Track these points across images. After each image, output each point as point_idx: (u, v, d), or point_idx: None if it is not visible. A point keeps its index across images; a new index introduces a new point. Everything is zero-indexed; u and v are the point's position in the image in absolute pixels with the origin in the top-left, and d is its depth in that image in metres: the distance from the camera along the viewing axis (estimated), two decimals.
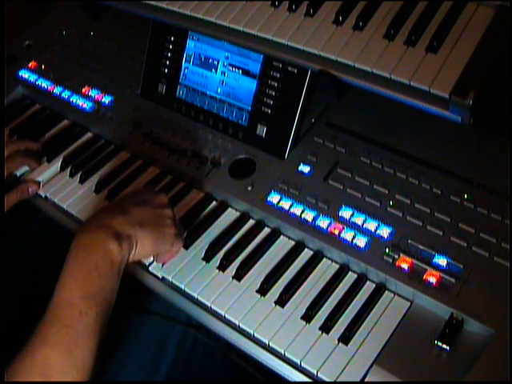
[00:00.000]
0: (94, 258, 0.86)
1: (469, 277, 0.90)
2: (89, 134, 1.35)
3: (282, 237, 1.07)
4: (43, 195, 1.23)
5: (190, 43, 1.26)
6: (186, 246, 1.06)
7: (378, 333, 0.90)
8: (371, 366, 0.87)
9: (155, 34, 1.32)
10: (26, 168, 1.29)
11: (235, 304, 0.98)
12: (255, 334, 0.94)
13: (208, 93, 1.24)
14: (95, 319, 0.84)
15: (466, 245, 0.94)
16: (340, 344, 0.90)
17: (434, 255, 0.94)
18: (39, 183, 1.25)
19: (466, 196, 0.99)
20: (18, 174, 1.28)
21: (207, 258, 1.05)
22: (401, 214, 1.00)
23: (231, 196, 1.12)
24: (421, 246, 0.95)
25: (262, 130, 1.17)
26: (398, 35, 0.99)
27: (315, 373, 0.88)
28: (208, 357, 1.15)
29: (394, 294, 0.95)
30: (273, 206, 1.07)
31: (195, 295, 1.00)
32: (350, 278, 0.99)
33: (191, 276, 1.02)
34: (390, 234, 0.98)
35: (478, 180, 1.01)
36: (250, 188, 1.11)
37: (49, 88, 1.45)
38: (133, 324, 1.16)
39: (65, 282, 0.85)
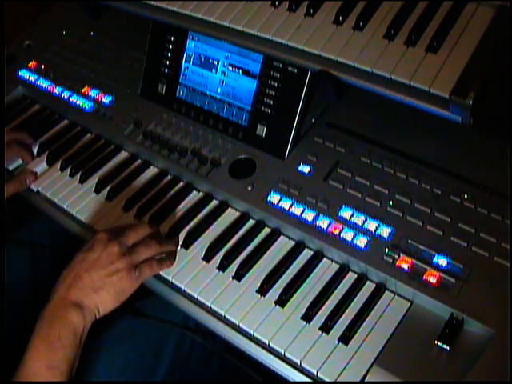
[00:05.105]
0: (55, 331, 0.89)
1: (469, 277, 0.90)
2: (89, 134, 1.35)
3: (281, 237, 1.07)
4: (43, 195, 1.23)
5: (189, 43, 1.26)
6: (186, 246, 1.06)
7: (378, 333, 0.90)
8: (371, 365, 0.87)
9: (155, 34, 1.31)
10: (19, 162, 1.29)
11: (235, 304, 0.98)
12: (255, 334, 0.94)
13: (208, 93, 1.24)
14: None
15: (466, 245, 0.94)
16: (340, 344, 0.90)
17: (434, 255, 0.94)
18: (36, 173, 1.26)
19: (466, 196, 0.99)
20: (11, 168, 1.29)
21: (207, 258, 1.05)
22: (401, 214, 1.00)
23: (231, 196, 1.12)
24: (421, 246, 0.95)
25: (262, 130, 1.17)
26: (398, 35, 0.99)
27: (315, 373, 0.88)
28: (206, 360, 1.15)
29: (394, 293, 0.95)
30: (273, 206, 1.06)
31: (195, 295, 1.00)
32: (350, 278, 0.99)
33: (191, 276, 1.02)
34: (390, 234, 0.98)
35: (478, 180, 1.01)
36: (250, 188, 1.10)
37: (49, 88, 1.45)
38: (129, 327, 1.16)
39: (30, 355, 0.88)
